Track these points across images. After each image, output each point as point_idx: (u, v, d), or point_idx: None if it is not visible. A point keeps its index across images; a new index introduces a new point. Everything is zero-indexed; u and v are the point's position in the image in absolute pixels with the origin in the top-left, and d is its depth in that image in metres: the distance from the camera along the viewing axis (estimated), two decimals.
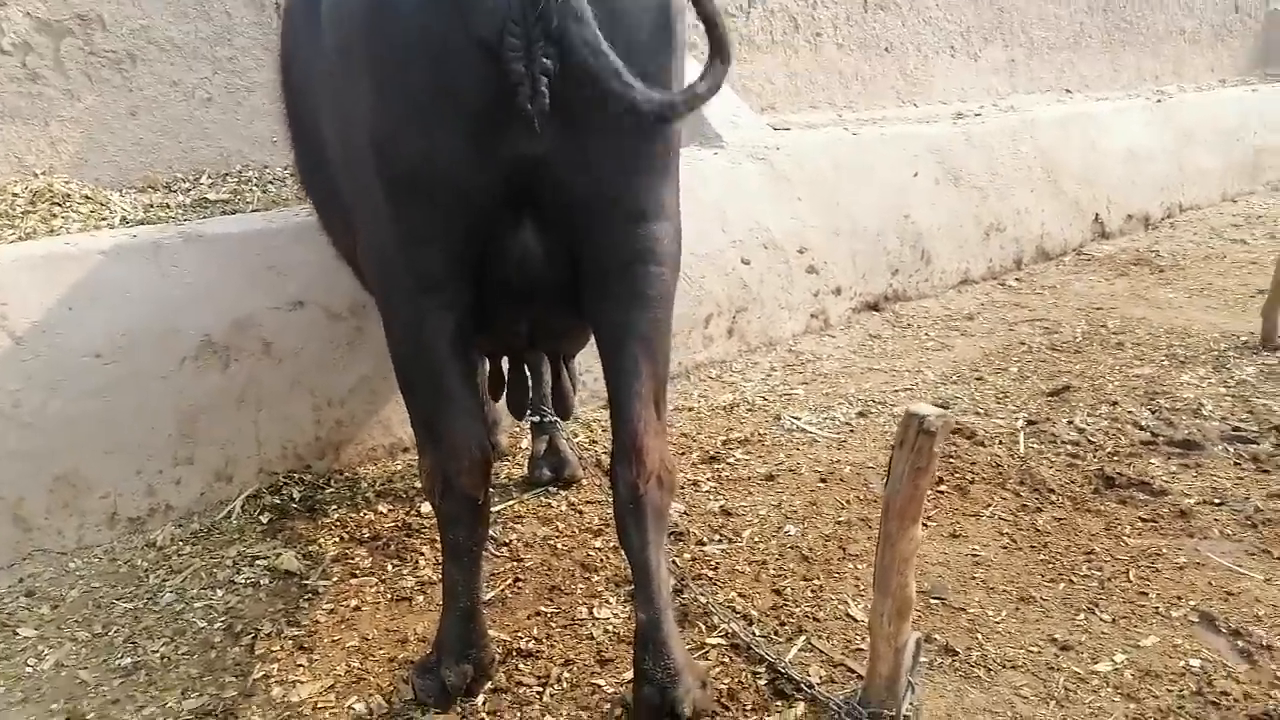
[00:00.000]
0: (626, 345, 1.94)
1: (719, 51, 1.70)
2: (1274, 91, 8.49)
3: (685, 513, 2.99)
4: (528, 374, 2.93)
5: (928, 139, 5.39)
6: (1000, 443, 3.38)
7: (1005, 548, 2.69)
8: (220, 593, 2.67)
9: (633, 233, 1.91)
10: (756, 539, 2.82)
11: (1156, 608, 2.39)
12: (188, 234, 3.10)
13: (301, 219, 3.30)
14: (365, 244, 2.02)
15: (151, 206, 3.82)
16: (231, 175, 4.33)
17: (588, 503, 3.11)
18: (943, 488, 3.07)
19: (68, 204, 3.62)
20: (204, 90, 4.33)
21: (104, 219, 3.60)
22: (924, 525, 2.59)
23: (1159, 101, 7.34)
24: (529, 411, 3.10)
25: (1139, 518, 2.82)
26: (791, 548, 2.75)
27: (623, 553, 2.09)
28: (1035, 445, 3.35)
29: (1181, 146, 7.10)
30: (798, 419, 3.70)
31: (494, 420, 3.38)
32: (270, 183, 4.30)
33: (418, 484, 3.24)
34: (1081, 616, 2.37)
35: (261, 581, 2.71)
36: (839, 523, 2.89)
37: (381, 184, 1.83)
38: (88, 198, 3.72)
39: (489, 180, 1.80)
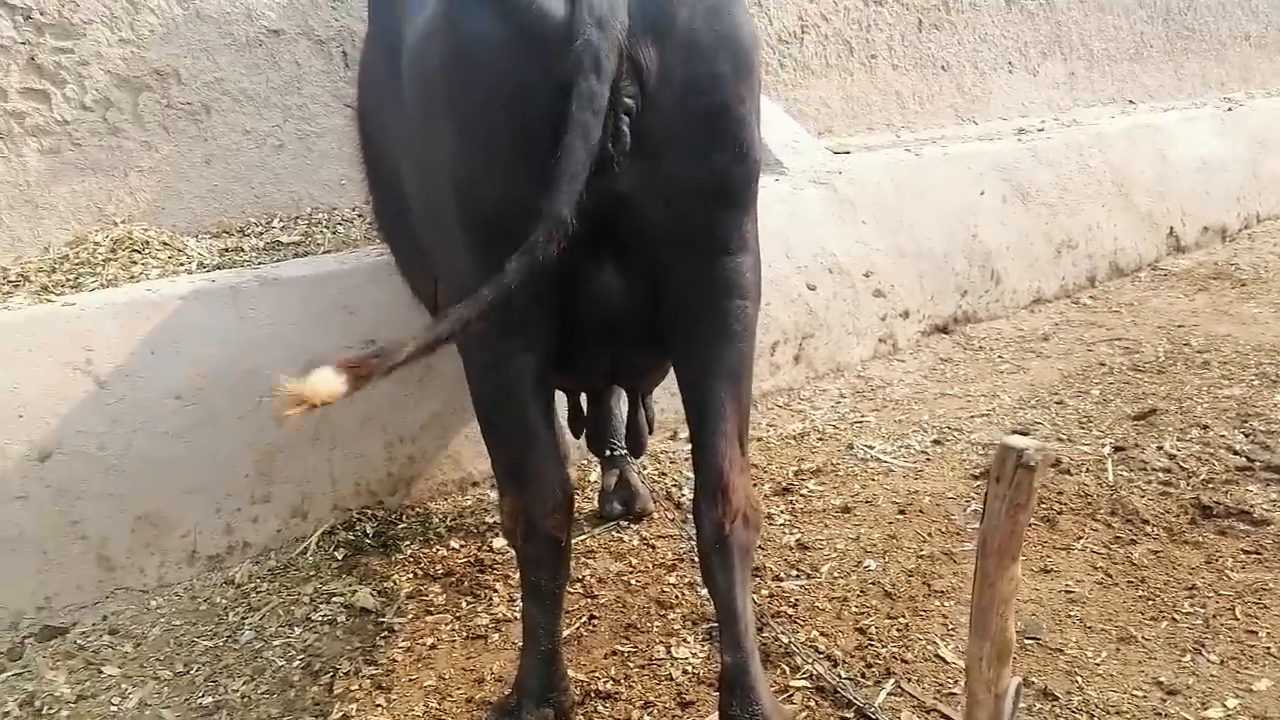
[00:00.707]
0: (710, 381, 1.91)
1: None
2: None
3: (760, 547, 2.92)
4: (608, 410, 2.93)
5: (992, 156, 5.29)
6: (1087, 471, 3.26)
7: (1100, 583, 2.58)
8: (298, 630, 2.68)
9: (715, 266, 1.88)
10: (836, 574, 2.75)
11: (1268, 648, 2.26)
12: (263, 277, 3.16)
13: (373, 260, 3.34)
14: (446, 288, 2.02)
15: (226, 251, 3.91)
16: (302, 218, 4.42)
17: (660, 537, 3.07)
18: (1030, 520, 2.95)
19: (147, 250, 3.72)
20: (275, 137, 4.43)
21: (182, 264, 3.69)
22: None
23: (1229, 109, 7.12)
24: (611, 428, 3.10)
25: (1241, 549, 2.68)
26: (873, 584, 2.68)
27: (701, 590, 2.05)
28: (1124, 473, 3.23)
29: (1255, 154, 6.87)
30: (871, 448, 3.62)
31: (564, 454, 3.36)
32: (340, 224, 4.37)
33: (489, 519, 3.24)
34: (1187, 658, 2.25)
35: (338, 619, 2.72)
36: (921, 557, 2.80)
37: (463, 229, 1.83)
38: (166, 244, 3.82)
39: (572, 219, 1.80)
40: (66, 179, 3.94)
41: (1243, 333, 4.66)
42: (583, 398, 2.88)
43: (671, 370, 2.08)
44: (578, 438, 2.99)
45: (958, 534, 2.92)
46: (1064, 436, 3.62)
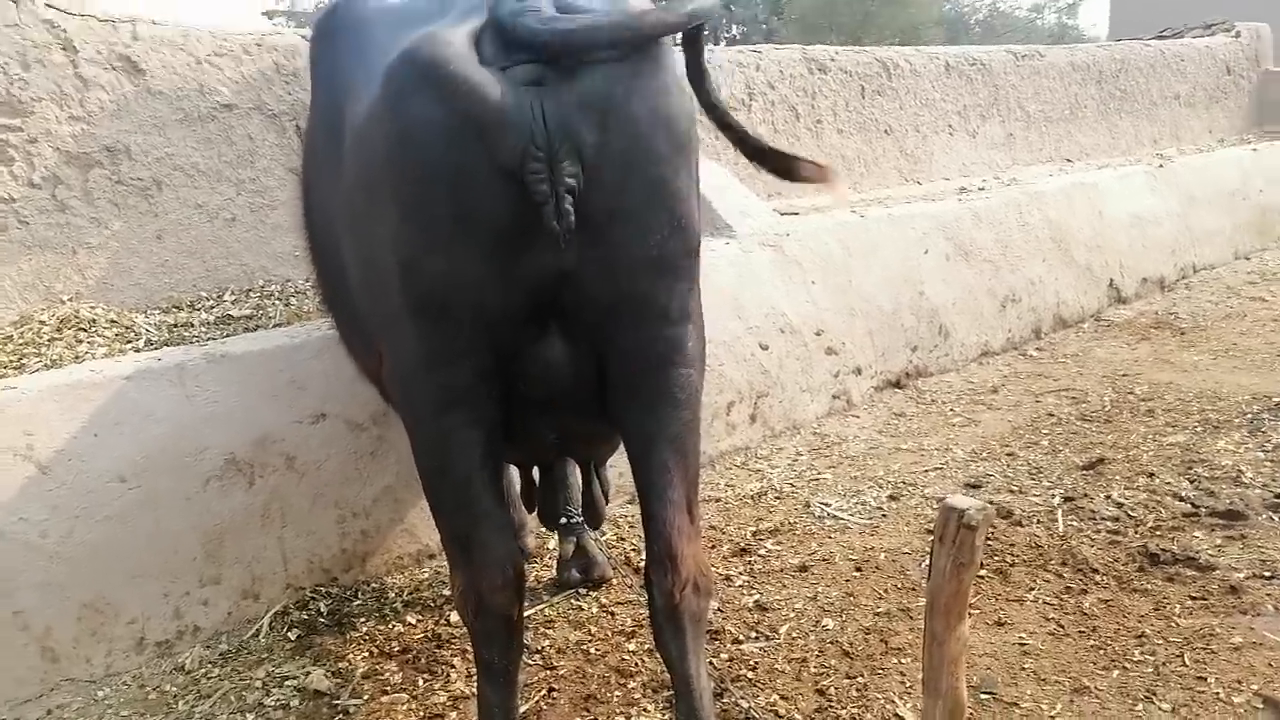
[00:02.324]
0: (657, 449, 1.93)
1: None
2: (1273, 149, 8.56)
3: (720, 609, 2.92)
4: (559, 483, 2.92)
5: (935, 216, 5.44)
6: (1038, 522, 3.31)
7: (1053, 634, 2.61)
8: (250, 717, 2.61)
9: (659, 336, 1.91)
10: (795, 635, 2.75)
11: (1217, 693, 2.29)
12: (211, 354, 3.13)
13: (321, 333, 3.34)
14: (390, 364, 2.03)
15: (175, 326, 3.88)
16: (254, 291, 4.41)
17: (619, 603, 3.05)
18: (983, 572, 2.99)
19: (93, 329, 3.68)
20: (228, 211, 4.44)
21: (129, 341, 3.66)
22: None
23: (1160, 166, 7.41)
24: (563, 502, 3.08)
25: (1188, 596, 2.73)
26: (832, 643, 2.68)
27: (660, 659, 2.04)
28: (1074, 523, 3.28)
29: (1187, 208, 7.14)
30: (828, 505, 3.64)
31: (520, 523, 3.34)
32: (293, 296, 4.37)
33: (445, 591, 3.20)
34: (1140, 706, 2.28)
35: (291, 703, 2.65)
36: (878, 614, 2.81)
37: (406, 306, 1.85)
38: (113, 321, 3.79)
39: (514, 297, 1.83)
40: (12, 258, 3.90)
41: (1185, 380, 4.79)
42: (535, 471, 2.87)
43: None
44: (531, 512, 2.98)
45: (913, 589, 2.93)
46: (1015, 488, 3.67)
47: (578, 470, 3.00)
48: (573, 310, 1.86)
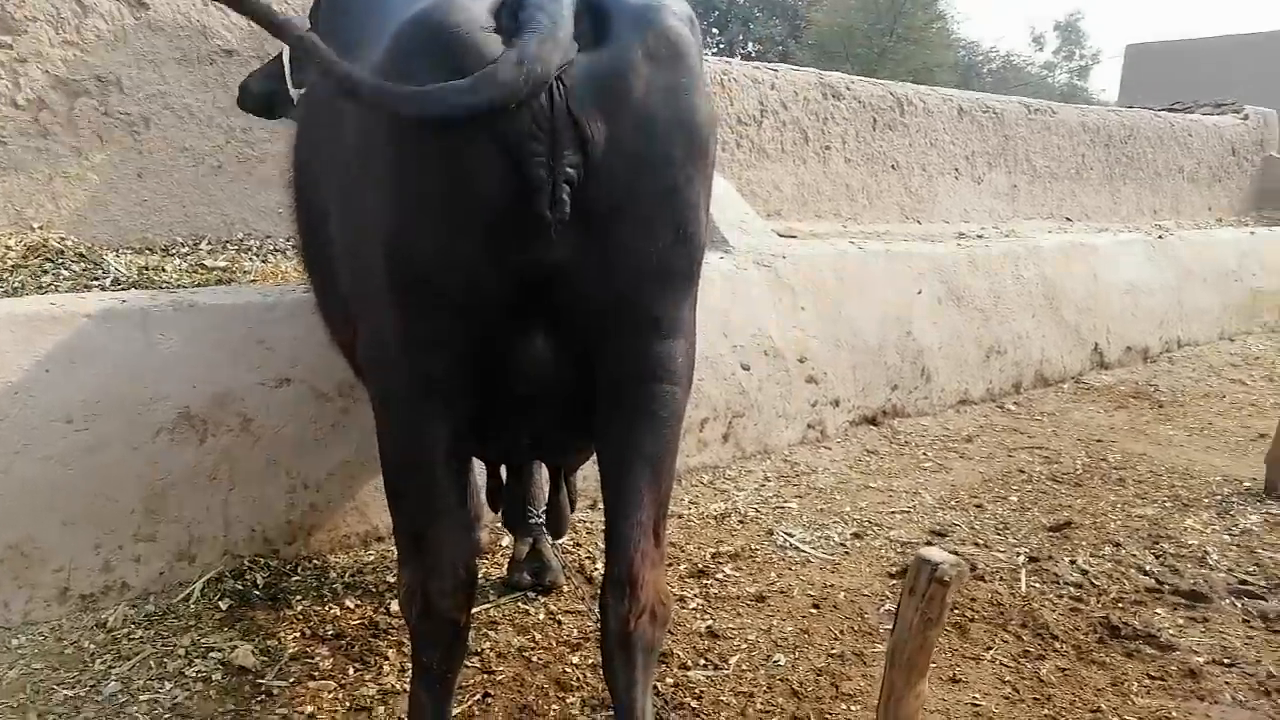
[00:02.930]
0: (631, 467, 1.84)
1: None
2: (1271, 235, 8.62)
3: (670, 631, 2.83)
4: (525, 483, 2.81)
5: (932, 258, 5.40)
6: (1001, 579, 3.25)
7: (1008, 698, 2.54)
8: (169, 686, 2.49)
9: (647, 348, 1.82)
10: (744, 667, 2.66)
11: None
12: (178, 302, 3.01)
13: (296, 295, 3.22)
14: (365, 343, 1.93)
15: (146, 269, 3.75)
16: (232, 243, 4.28)
17: (567, 612, 2.95)
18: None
19: (60, 261, 3.55)
20: (215, 158, 4.31)
21: (95, 279, 3.53)
22: None
23: (1160, 237, 7.42)
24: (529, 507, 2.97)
25: (1147, 674, 2.67)
26: (781, 680, 2.59)
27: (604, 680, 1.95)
28: (1037, 584, 3.22)
29: (1181, 283, 7.15)
30: (791, 535, 3.57)
31: (477, 516, 3.24)
32: (271, 253, 4.25)
33: (389, 578, 3.09)
34: None
35: (213, 676, 2.53)
36: (831, 655, 2.73)
37: (390, 285, 1.75)
38: (82, 255, 3.65)
39: (504, 286, 1.73)
40: None
41: (1158, 453, 4.76)
42: (503, 469, 2.76)
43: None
44: (495, 512, 2.86)
45: (870, 634, 2.86)
46: (980, 541, 3.62)
47: (544, 470, 2.90)
48: (563, 309, 1.77)
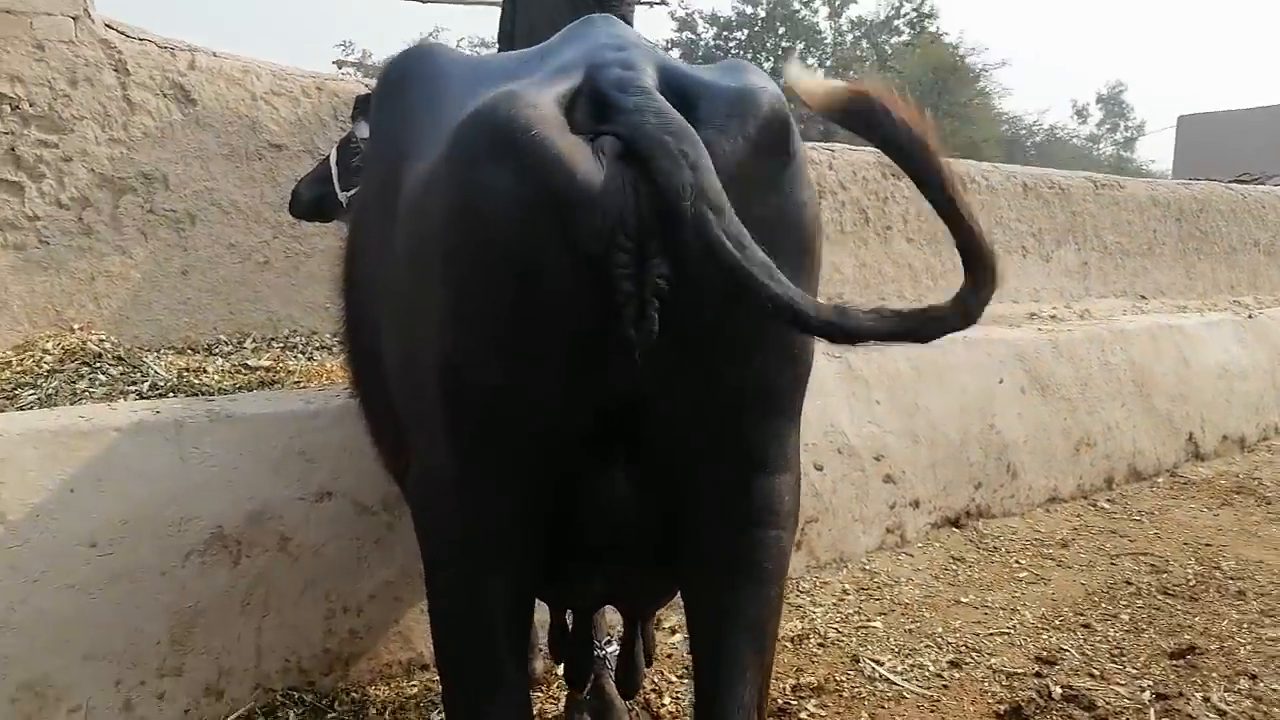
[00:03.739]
0: (729, 633, 1.54)
1: (980, 267, 1.32)
2: None
3: None
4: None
5: (1013, 344, 5.06)
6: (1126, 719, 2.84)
7: None
8: None
9: (749, 488, 1.54)
10: None
11: None
12: (215, 413, 2.80)
13: (342, 400, 3.00)
14: (415, 479, 1.67)
15: (187, 370, 3.58)
16: (277, 340, 4.11)
17: None
18: None
19: (98, 364, 3.39)
20: (261, 254, 4.18)
21: (133, 383, 3.35)
22: None
23: (1249, 316, 7.00)
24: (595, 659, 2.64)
25: None
26: None
27: None
28: None
29: (1275, 365, 6.69)
30: (879, 664, 3.19)
31: (531, 642, 2.93)
32: (317, 350, 4.07)
33: (436, 716, 2.78)
34: None
35: None
36: None
37: (444, 415, 1.50)
38: (120, 359, 3.49)
39: (576, 419, 1.47)
40: (26, 278, 3.65)
41: (1276, 560, 4.30)
42: (568, 613, 2.45)
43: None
44: (557, 662, 2.54)
45: None
46: (1095, 671, 3.20)
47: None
48: (647, 443, 1.50)
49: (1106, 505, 5.11)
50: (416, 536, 1.72)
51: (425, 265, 1.51)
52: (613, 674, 2.73)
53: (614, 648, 2.80)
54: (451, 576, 1.57)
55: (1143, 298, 8.80)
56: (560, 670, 3.02)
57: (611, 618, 3.06)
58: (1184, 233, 9.35)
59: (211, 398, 3.00)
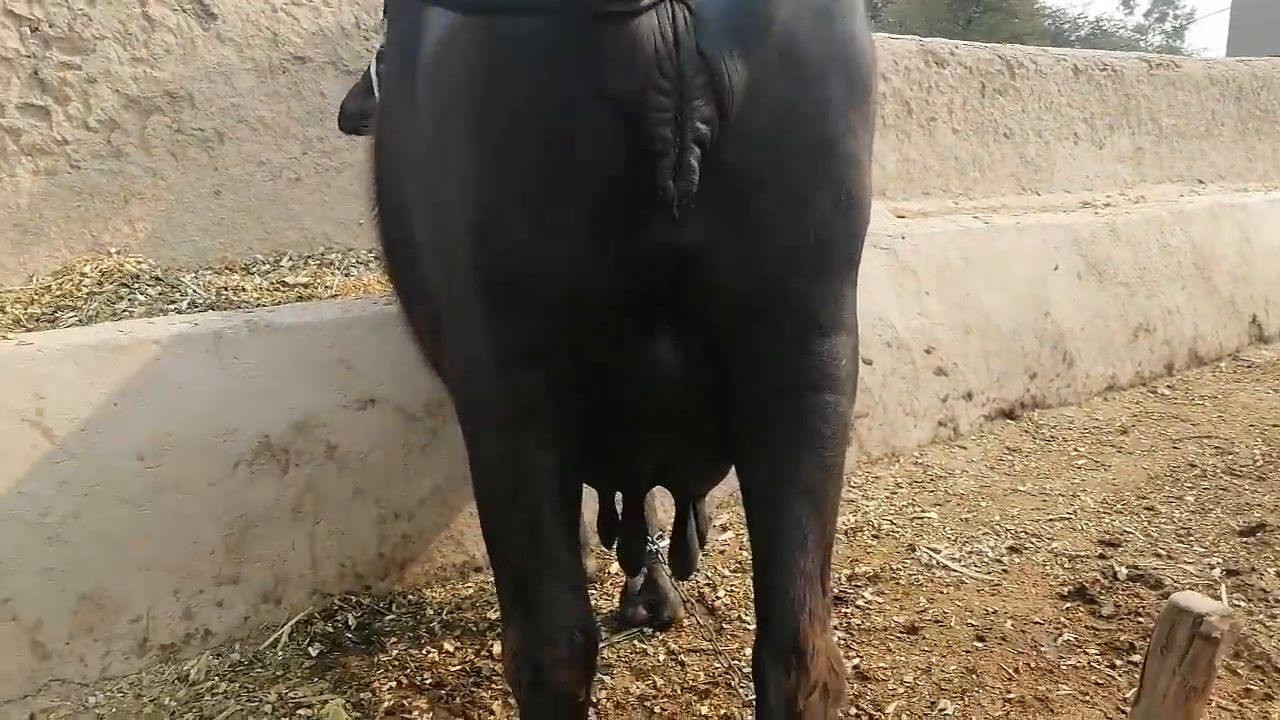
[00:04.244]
0: (787, 502, 1.47)
1: None
2: None
3: None
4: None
5: (1068, 229, 4.86)
6: None
7: None
8: None
9: (803, 350, 1.45)
10: (906, 718, 2.26)
11: None
12: (254, 323, 2.77)
13: (380, 308, 2.96)
14: (453, 359, 1.61)
15: (225, 289, 3.55)
16: (314, 258, 4.07)
17: (690, 651, 2.60)
18: (1136, 657, 2.46)
19: (136, 285, 3.37)
20: (292, 170, 4.11)
21: (172, 302, 3.33)
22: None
23: None
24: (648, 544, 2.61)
25: None
26: None
27: None
28: (1243, 603, 2.73)
29: None
30: (936, 552, 3.14)
31: (581, 541, 2.91)
32: (354, 266, 4.02)
33: (491, 613, 2.80)
34: None
35: None
36: (1008, 700, 2.31)
37: (477, 283, 1.42)
38: (158, 279, 3.47)
39: (619, 281, 1.38)
40: (61, 204, 3.62)
41: None
42: (618, 497, 2.39)
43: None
44: (608, 548, 2.51)
45: (1050, 672, 2.42)
46: (1162, 552, 3.12)
47: (662, 494, 2.55)
48: (694, 305, 1.41)
49: (1167, 391, 4.96)
50: (458, 419, 1.66)
51: (450, 124, 1.42)
52: (665, 565, 2.71)
53: (665, 542, 2.77)
54: (493, 455, 1.52)
55: (1200, 182, 8.41)
56: (613, 570, 3.02)
57: (661, 517, 3.03)
58: (1244, 113, 8.88)
59: (250, 310, 2.97)
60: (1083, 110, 7.47)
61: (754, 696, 1.53)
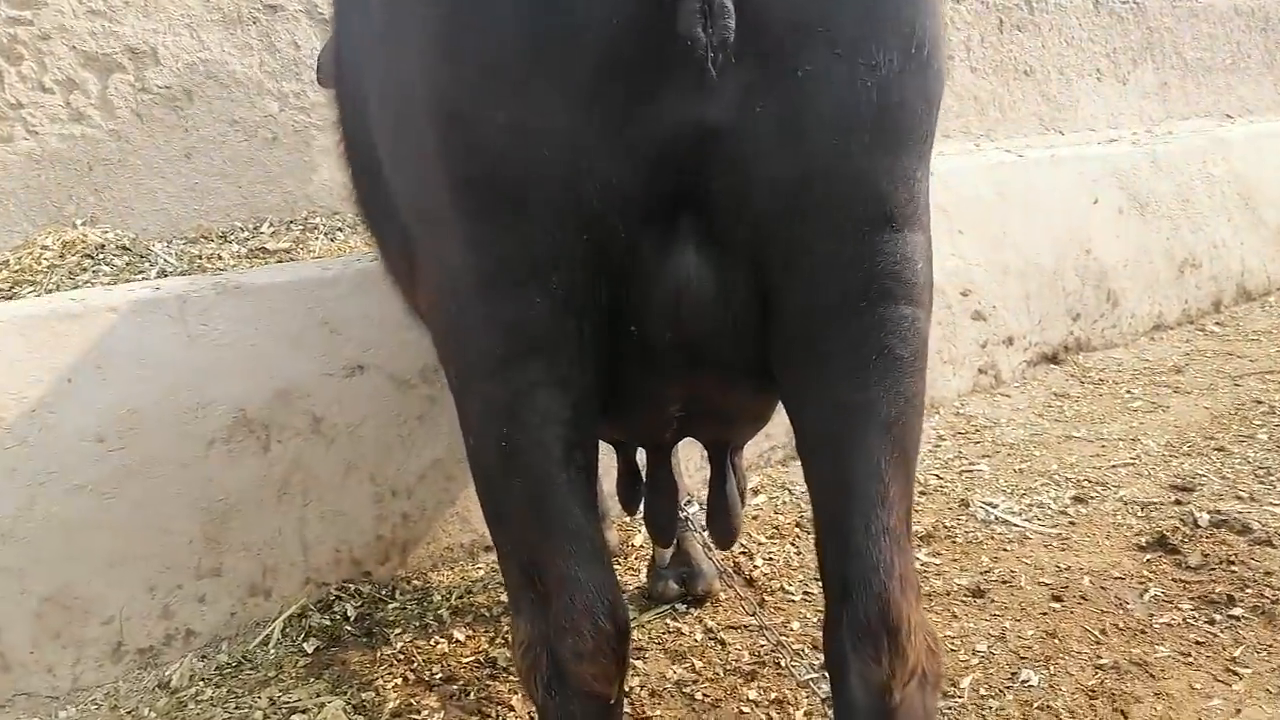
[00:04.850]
0: (864, 443, 1.17)
1: None
2: None
3: None
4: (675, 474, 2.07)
5: (1106, 160, 4.53)
6: None
7: None
8: None
9: (874, 250, 1.15)
10: (984, 692, 1.97)
11: None
12: (223, 286, 2.48)
13: (364, 265, 2.66)
14: (429, 289, 1.31)
15: (199, 258, 3.25)
16: (296, 223, 3.77)
17: (730, 628, 2.31)
18: (1236, 611, 2.17)
19: (100, 257, 3.08)
20: (268, 129, 3.80)
21: (140, 273, 3.04)
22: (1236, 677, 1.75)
23: None
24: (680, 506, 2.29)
25: None
26: (1042, 709, 1.89)
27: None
28: None
29: None
30: (993, 506, 2.84)
31: (601, 510, 2.62)
32: (339, 230, 3.72)
33: (504, 597, 2.51)
34: None
35: None
36: (1100, 667, 2.02)
37: (449, 186, 1.13)
38: (125, 248, 3.18)
39: (629, 173, 1.09)
40: (19, 174, 3.33)
41: None
42: (640, 453, 2.06)
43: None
44: (628, 512, 2.19)
45: (1143, 632, 2.13)
46: (1243, 494, 2.82)
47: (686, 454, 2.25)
48: (726, 201, 1.11)
49: (1216, 329, 4.63)
50: (441, 365, 1.36)
51: None
52: (698, 533, 2.41)
53: (695, 508, 2.48)
54: (484, 403, 1.22)
55: (1229, 117, 8.04)
56: (637, 542, 2.74)
57: (685, 482, 2.74)
58: (1271, 43, 8.49)
59: (219, 272, 2.68)
60: (1105, 45, 7.10)
61: (818, 682, 1.24)
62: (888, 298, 1.17)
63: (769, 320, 1.21)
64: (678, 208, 1.14)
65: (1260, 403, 3.59)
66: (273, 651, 2.30)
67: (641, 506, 2.01)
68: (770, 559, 2.62)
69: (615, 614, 1.22)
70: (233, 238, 3.57)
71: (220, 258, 3.31)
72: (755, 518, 2.90)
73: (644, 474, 1.96)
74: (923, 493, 3.00)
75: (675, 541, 2.40)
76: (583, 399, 1.21)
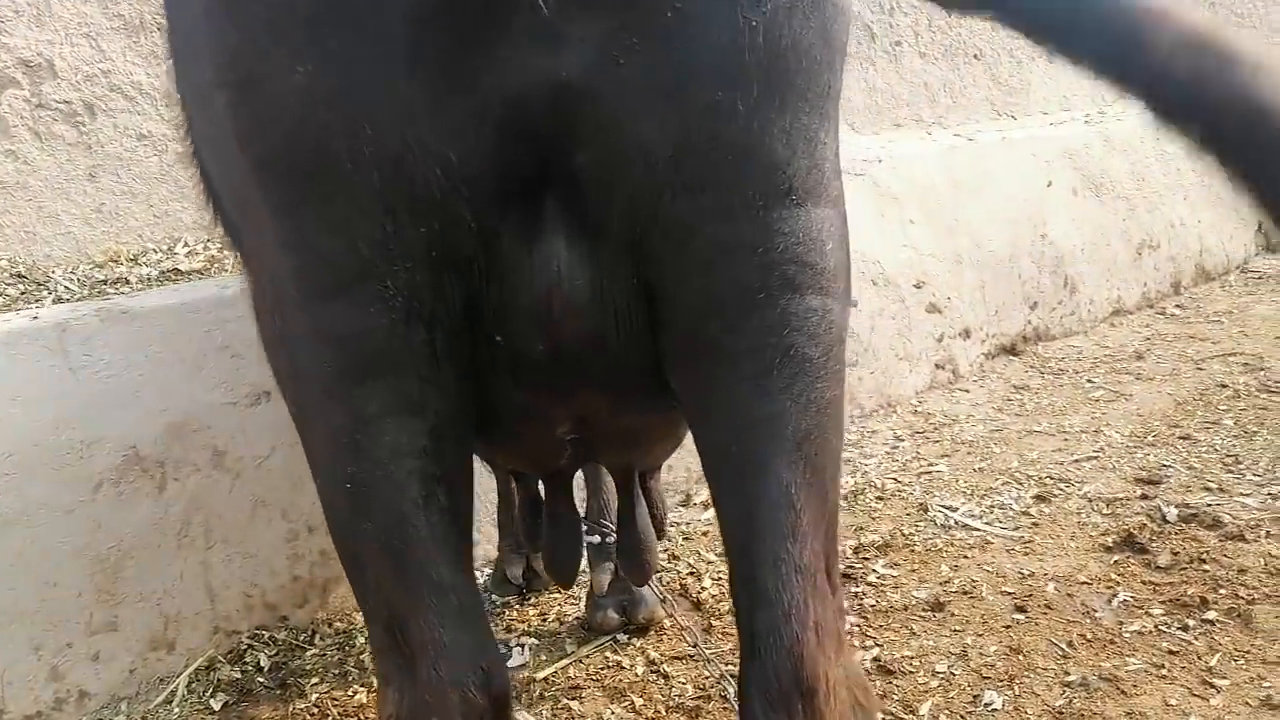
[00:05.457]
0: (770, 463, 1.00)
1: None
2: None
3: None
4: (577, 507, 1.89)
5: (1059, 141, 4.43)
6: (1268, 534, 2.34)
7: None
8: None
9: (768, 228, 0.98)
10: (945, 718, 1.82)
11: None
12: (107, 312, 2.28)
13: None
14: (254, 295, 1.13)
15: (104, 283, 3.04)
16: (214, 240, 3.55)
17: (675, 659, 2.15)
18: (1210, 615, 2.03)
19: None
20: (180, 143, 3.59)
21: (36, 300, 2.82)
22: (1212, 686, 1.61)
23: None
24: (584, 543, 2.12)
25: None
26: None
27: None
28: None
29: None
30: (952, 510, 2.70)
31: (470, 544, 2.43)
32: None
33: None
34: None
35: None
36: (1067, 685, 1.87)
37: (248, 165, 0.95)
38: (20, 276, 2.96)
39: (467, 144, 0.91)
40: None
41: None
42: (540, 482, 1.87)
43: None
44: (530, 545, 2.01)
45: (1112, 643, 1.99)
46: (1211, 485, 2.69)
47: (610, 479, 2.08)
48: (594, 177, 0.94)
49: (1177, 311, 4.54)
50: (279, 387, 1.18)
51: None
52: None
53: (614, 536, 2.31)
54: (327, 433, 1.05)
55: None
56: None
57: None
58: (1220, 19, 8.49)
59: (105, 298, 2.47)
60: None
61: None
62: (792, 287, 1.00)
63: (657, 320, 1.04)
64: (539, 189, 0.96)
65: (1224, 386, 3.48)
66: (176, 710, 2.11)
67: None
68: (719, 579, 2.46)
69: (491, 684, 1.05)
70: (144, 260, 3.35)
71: (128, 281, 3.10)
72: (705, 533, 2.74)
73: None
74: (880, 498, 2.86)
75: (614, 567, 2.23)
76: (442, 426, 1.03)
